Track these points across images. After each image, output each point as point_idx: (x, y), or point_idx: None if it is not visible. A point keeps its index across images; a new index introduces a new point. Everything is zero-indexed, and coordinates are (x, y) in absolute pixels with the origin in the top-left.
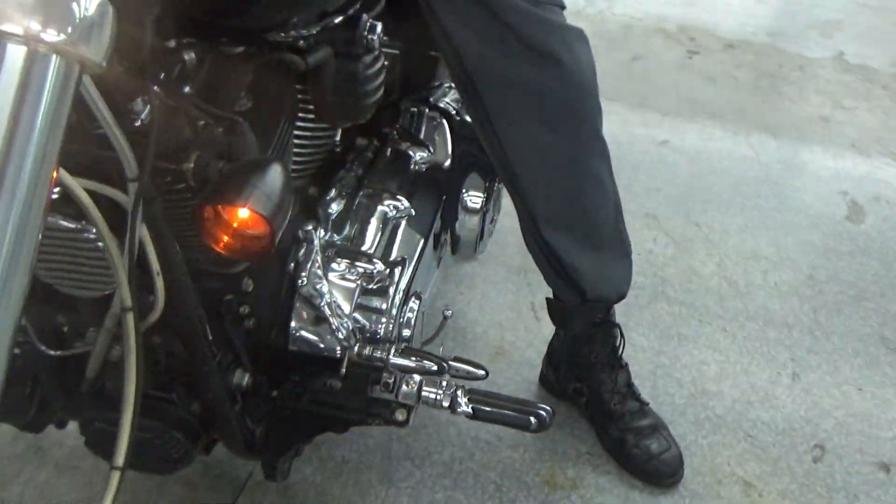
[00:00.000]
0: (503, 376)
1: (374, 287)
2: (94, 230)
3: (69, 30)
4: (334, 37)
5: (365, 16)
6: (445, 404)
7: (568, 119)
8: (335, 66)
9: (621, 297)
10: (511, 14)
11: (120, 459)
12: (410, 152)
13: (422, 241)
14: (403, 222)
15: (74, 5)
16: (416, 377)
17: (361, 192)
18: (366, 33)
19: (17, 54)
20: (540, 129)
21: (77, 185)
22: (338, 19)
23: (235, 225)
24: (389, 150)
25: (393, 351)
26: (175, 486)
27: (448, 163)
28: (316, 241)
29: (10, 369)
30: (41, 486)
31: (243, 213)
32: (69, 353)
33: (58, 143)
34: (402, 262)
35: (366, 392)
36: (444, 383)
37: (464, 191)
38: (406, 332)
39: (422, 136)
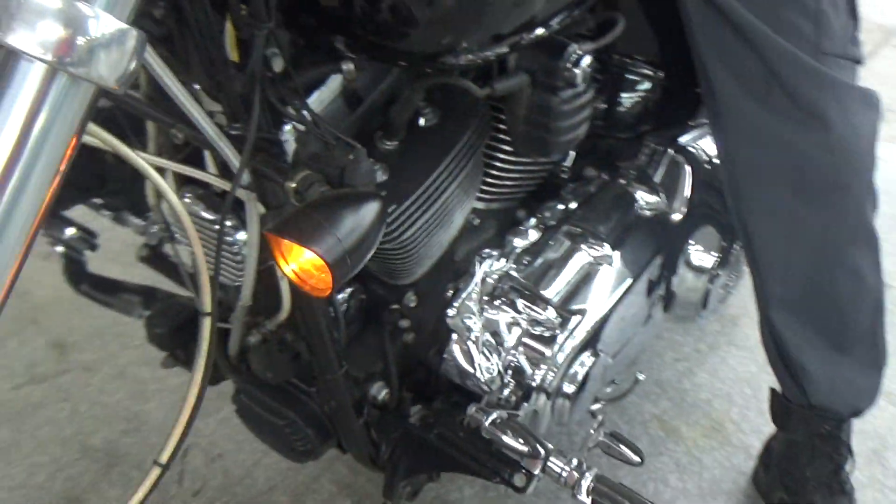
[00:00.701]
0: (712, 457)
1: (543, 333)
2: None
3: (82, 52)
4: (533, 64)
5: (573, 46)
6: (569, 483)
7: (829, 194)
8: (530, 95)
9: (856, 413)
10: (782, 62)
11: (164, 456)
12: (638, 194)
13: (618, 295)
14: (601, 270)
15: (91, 27)
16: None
17: (563, 228)
18: (568, 64)
19: (32, 71)
20: (792, 200)
21: (171, 192)
22: (523, 40)
23: (299, 260)
24: (614, 187)
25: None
26: (341, 466)
27: (679, 215)
28: (478, 272)
29: None
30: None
31: (307, 253)
32: (223, 326)
33: (61, 159)
34: (580, 313)
35: (491, 444)
36: (576, 461)
37: (691, 243)
38: (568, 388)
39: (657, 178)
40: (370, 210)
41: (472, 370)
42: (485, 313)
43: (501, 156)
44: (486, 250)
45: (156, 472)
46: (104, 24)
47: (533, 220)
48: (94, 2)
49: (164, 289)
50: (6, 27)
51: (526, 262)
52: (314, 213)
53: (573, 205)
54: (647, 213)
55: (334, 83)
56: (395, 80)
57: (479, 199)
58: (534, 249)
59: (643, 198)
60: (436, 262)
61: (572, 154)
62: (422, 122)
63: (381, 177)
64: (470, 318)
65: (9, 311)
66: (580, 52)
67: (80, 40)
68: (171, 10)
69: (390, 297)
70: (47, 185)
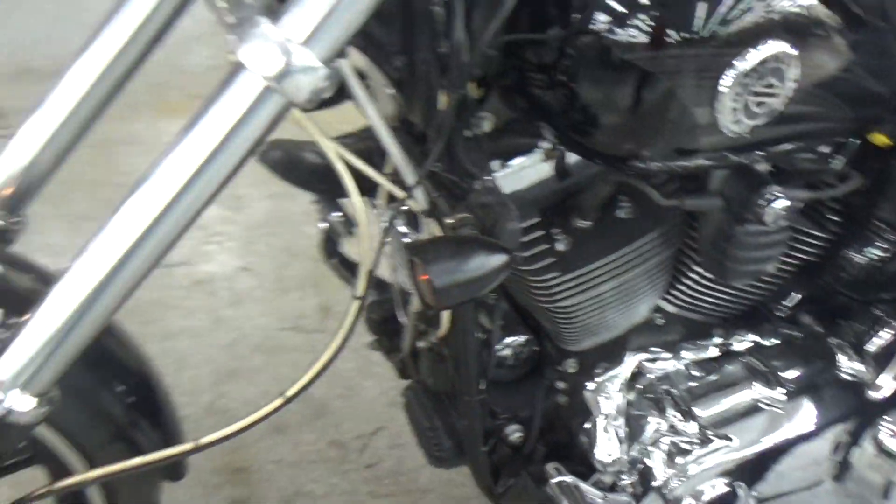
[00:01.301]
0: None
1: (682, 442)
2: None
3: (286, 76)
4: (727, 188)
5: (773, 186)
6: None
7: None
8: (718, 217)
9: None
10: None
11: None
12: (842, 357)
13: (777, 440)
14: (767, 411)
15: (297, 59)
16: None
17: (745, 359)
18: (761, 201)
19: (248, 81)
20: None
21: (357, 195)
22: (720, 161)
23: (421, 276)
24: (821, 342)
25: None
26: None
27: (883, 393)
28: (631, 360)
29: None
30: None
31: (420, 272)
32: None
33: (246, 152)
34: (725, 438)
35: None
36: None
37: (888, 421)
38: (688, 502)
39: (871, 348)
40: (493, 260)
41: (596, 446)
42: (629, 403)
43: (694, 266)
44: (657, 349)
45: (278, 400)
46: (307, 59)
47: (718, 339)
48: (309, 43)
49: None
50: (240, 44)
51: (692, 375)
52: (446, 243)
53: (769, 342)
54: (846, 377)
55: (538, 154)
56: (599, 169)
57: (667, 300)
58: (706, 367)
59: (847, 362)
60: (606, 342)
61: (796, 296)
62: (618, 212)
63: (561, 247)
64: (607, 398)
65: (301, 269)
66: (777, 194)
67: (288, 68)
68: (406, 64)
69: (556, 357)
70: (229, 169)
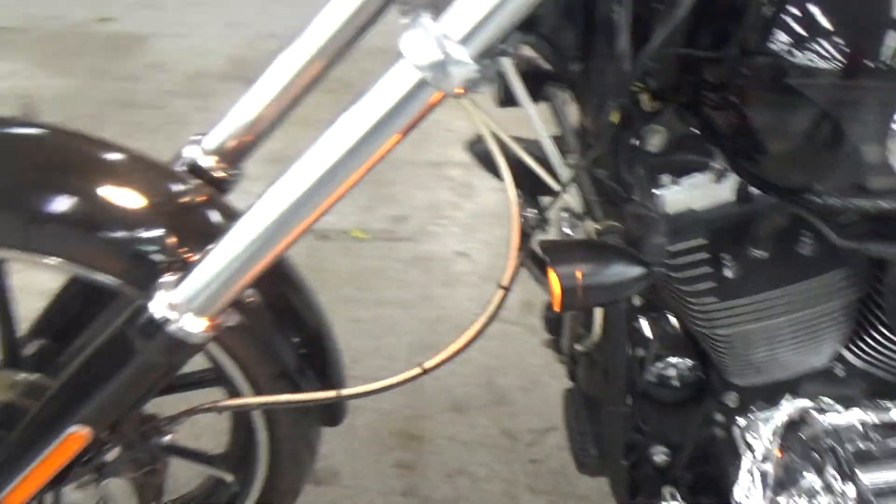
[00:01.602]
0: None
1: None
2: None
3: (442, 70)
4: None
5: None
6: None
7: None
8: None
9: None
10: None
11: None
12: None
13: None
14: None
15: (454, 56)
16: None
17: None
18: None
19: (408, 72)
20: None
21: (512, 187)
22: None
23: (547, 277)
24: None
25: None
26: None
27: None
28: (791, 406)
29: None
30: None
31: (549, 271)
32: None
33: (392, 136)
34: None
35: None
36: None
37: None
38: None
39: None
40: (628, 270)
41: (737, 484)
42: (786, 448)
43: (884, 319)
44: (832, 402)
45: (416, 370)
46: (458, 54)
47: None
48: (463, 40)
49: None
50: (402, 35)
51: (866, 436)
52: (581, 246)
53: None
54: None
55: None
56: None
57: (851, 350)
58: (884, 431)
59: None
60: (774, 382)
61: None
62: (799, 247)
63: (729, 273)
64: (755, 438)
65: None
66: None
67: (440, 60)
68: (583, 70)
69: (719, 388)
70: (382, 144)
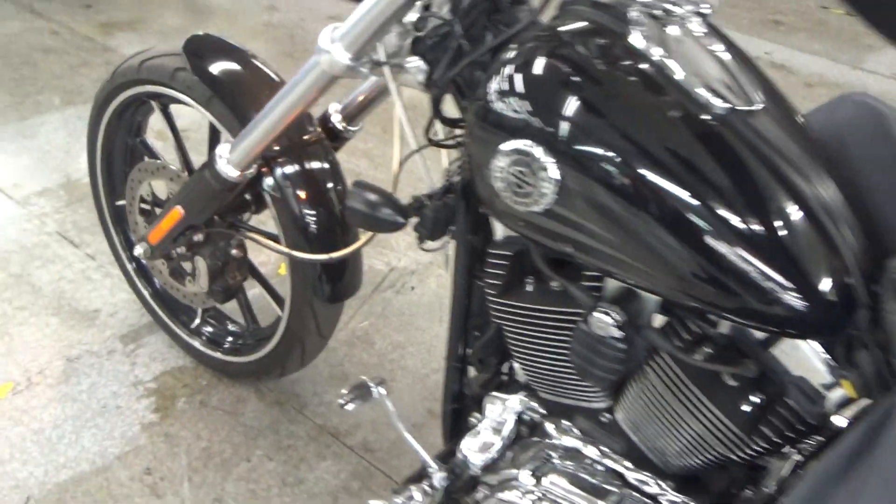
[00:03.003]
0: None
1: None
2: None
3: (327, 56)
4: None
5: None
6: None
7: None
8: None
9: None
10: None
11: None
12: None
13: None
14: None
15: (338, 56)
16: None
17: None
18: None
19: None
20: None
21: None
22: None
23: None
24: None
25: None
26: None
27: None
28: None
29: None
30: None
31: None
32: None
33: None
34: None
35: None
36: None
37: None
38: None
39: None
40: (391, 214)
41: (469, 437)
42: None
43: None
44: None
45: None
46: (338, 51)
47: None
48: (343, 42)
49: None
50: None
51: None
52: (377, 190)
53: None
54: None
55: None
56: None
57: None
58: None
59: None
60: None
61: None
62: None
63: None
64: (491, 410)
65: None
66: None
67: (329, 52)
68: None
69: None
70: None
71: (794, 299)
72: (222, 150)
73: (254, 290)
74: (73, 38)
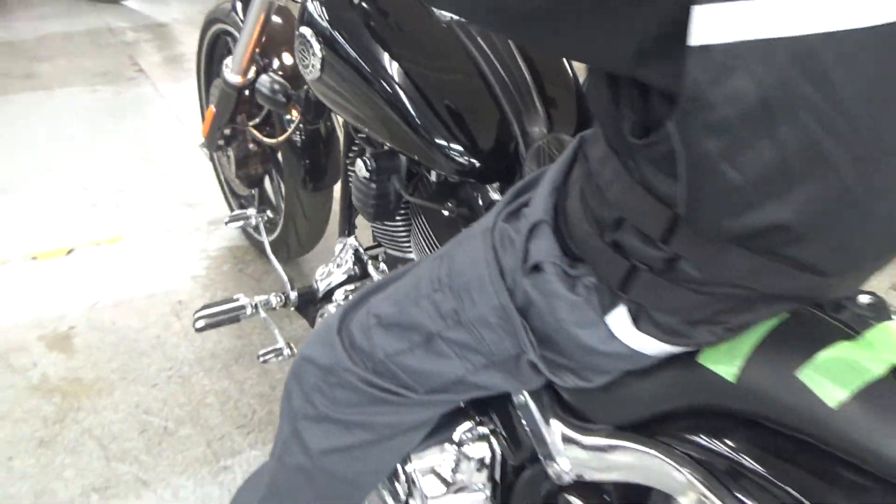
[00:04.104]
0: None
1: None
2: None
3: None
4: None
5: None
6: None
7: None
8: None
9: None
10: None
11: None
12: None
13: None
14: None
15: (226, 71)
16: None
17: None
18: None
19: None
20: None
21: None
22: None
23: None
24: None
25: None
26: None
27: None
28: None
29: None
30: None
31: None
32: None
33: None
34: None
35: None
36: None
37: None
38: None
39: None
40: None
41: None
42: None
43: None
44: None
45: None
46: (228, 72)
47: None
48: (229, 66)
49: None
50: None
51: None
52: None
53: None
54: None
55: None
56: None
57: None
58: None
59: None
60: None
61: None
62: None
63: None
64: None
65: None
66: None
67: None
68: None
69: None
70: (257, 18)
71: (470, 154)
72: (228, 60)
73: None
74: None
